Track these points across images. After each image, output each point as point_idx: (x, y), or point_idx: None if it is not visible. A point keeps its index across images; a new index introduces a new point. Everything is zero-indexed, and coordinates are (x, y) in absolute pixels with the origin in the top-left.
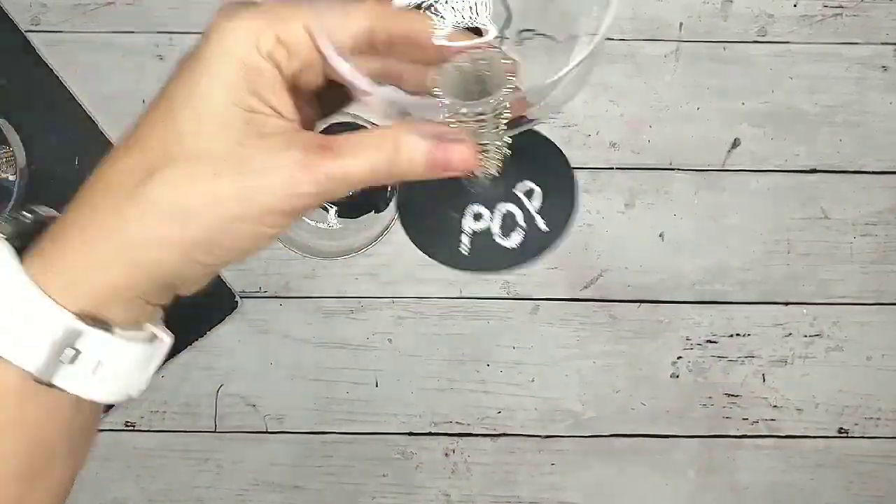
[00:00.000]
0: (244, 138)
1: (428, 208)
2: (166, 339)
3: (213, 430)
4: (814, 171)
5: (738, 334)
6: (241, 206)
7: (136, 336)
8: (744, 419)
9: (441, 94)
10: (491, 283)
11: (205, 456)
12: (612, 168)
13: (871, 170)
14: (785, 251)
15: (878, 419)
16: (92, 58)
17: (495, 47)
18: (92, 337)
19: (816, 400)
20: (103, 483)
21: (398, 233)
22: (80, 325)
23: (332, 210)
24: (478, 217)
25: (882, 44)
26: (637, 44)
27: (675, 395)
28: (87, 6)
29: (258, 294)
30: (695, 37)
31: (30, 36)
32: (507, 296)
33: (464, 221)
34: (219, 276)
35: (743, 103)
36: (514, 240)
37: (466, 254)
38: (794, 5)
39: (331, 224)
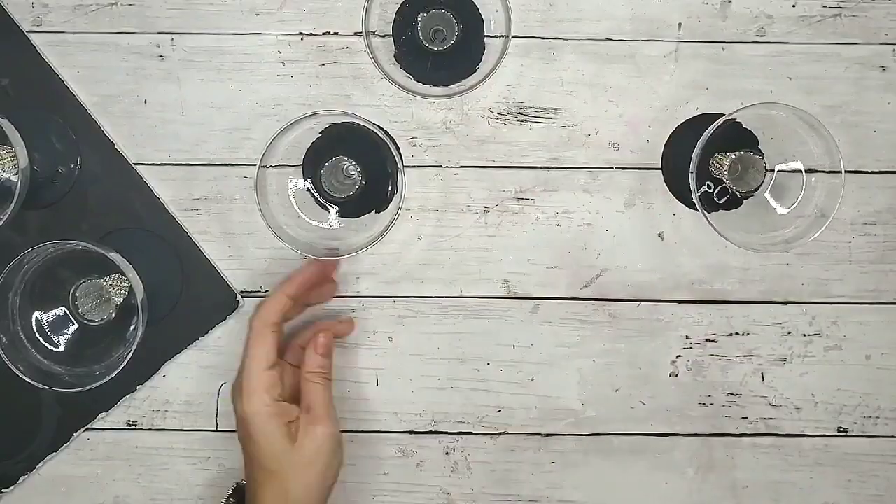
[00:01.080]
0: (298, 444)
1: None
2: None
3: (214, 429)
4: (812, 170)
5: (737, 333)
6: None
7: None
8: (743, 418)
9: None
10: (491, 282)
11: (206, 455)
12: (612, 168)
13: (869, 170)
14: (783, 250)
15: (877, 418)
16: (93, 58)
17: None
18: None
19: (815, 399)
20: (104, 482)
21: (398, 232)
22: None
23: (334, 210)
24: None
25: (881, 44)
26: (636, 44)
27: (674, 393)
28: (88, 7)
29: (259, 293)
30: (694, 37)
31: (31, 36)
32: (507, 295)
33: None
34: (220, 276)
35: (742, 103)
36: None
37: None
38: (793, 6)
39: (332, 224)
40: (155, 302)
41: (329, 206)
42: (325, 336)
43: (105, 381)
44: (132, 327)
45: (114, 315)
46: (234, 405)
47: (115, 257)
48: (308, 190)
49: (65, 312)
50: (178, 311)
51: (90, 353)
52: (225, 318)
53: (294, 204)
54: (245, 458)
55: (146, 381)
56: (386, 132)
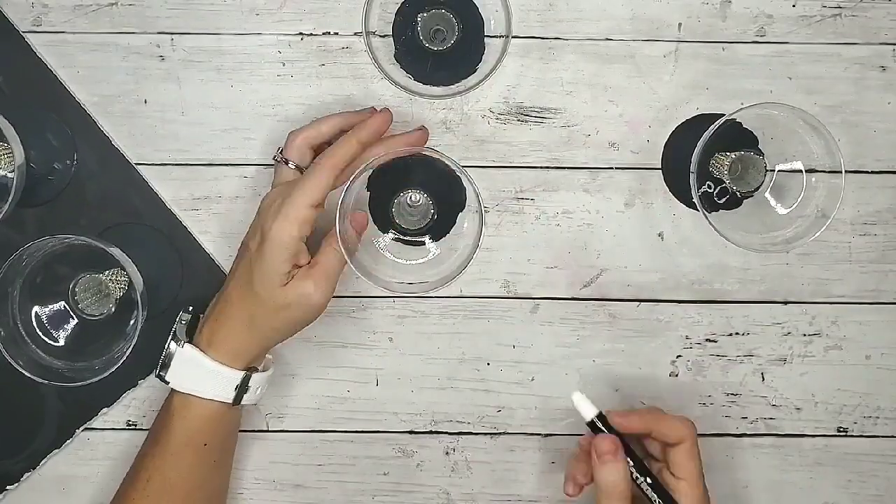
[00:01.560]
0: (287, 286)
1: None
2: (271, 365)
3: None
4: (812, 170)
5: (737, 333)
6: (302, 312)
7: (265, 368)
8: (743, 418)
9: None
10: (491, 282)
11: None
12: (612, 168)
13: (869, 169)
14: (784, 250)
15: (877, 418)
16: (93, 58)
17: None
18: (254, 377)
19: (815, 399)
20: (105, 482)
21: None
22: (244, 374)
23: (430, 243)
24: None
25: (881, 44)
26: (636, 44)
27: (674, 393)
28: (88, 7)
29: None
30: (694, 37)
31: (31, 36)
32: (507, 295)
33: None
34: (220, 269)
35: (742, 103)
36: None
37: None
38: (793, 6)
39: (431, 252)
40: (155, 296)
41: (421, 241)
42: (361, 214)
43: (105, 375)
44: (132, 321)
45: (113, 309)
46: (264, 218)
47: (115, 251)
48: (396, 240)
49: (64, 307)
50: (178, 304)
51: (90, 347)
52: None
53: (388, 254)
54: (237, 267)
55: (148, 375)
56: (457, 163)
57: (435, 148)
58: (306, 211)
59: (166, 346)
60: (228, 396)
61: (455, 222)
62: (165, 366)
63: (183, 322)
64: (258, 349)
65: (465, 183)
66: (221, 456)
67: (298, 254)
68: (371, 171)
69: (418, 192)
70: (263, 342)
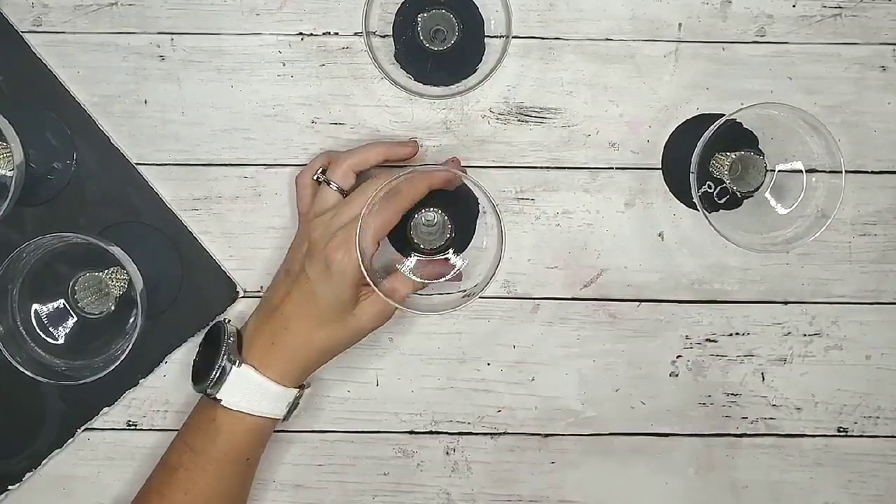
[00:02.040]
0: (351, 310)
1: None
2: (312, 381)
3: None
4: (812, 170)
5: (737, 333)
6: (373, 326)
7: (309, 384)
8: (743, 418)
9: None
10: (491, 282)
11: None
12: (612, 168)
13: (869, 170)
14: (784, 250)
15: (878, 418)
16: (93, 58)
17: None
18: (303, 394)
19: (815, 399)
20: (105, 482)
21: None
22: (297, 392)
23: (457, 259)
24: None
25: (881, 44)
26: (636, 44)
27: (674, 393)
28: (88, 7)
29: (260, 294)
30: (694, 37)
31: (31, 36)
32: (507, 295)
33: None
34: (219, 268)
35: (742, 103)
36: None
37: None
38: (793, 6)
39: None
40: (155, 295)
41: (445, 258)
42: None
43: (105, 373)
44: (132, 320)
45: (113, 308)
46: (330, 247)
47: (115, 250)
48: (420, 261)
49: (64, 305)
50: (179, 303)
51: (90, 346)
52: (225, 310)
53: (416, 278)
54: (297, 294)
55: (149, 374)
56: (481, 187)
57: (434, 147)
58: (373, 246)
59: (218, 365)
60: (280, 413)
61: (474, 232)
62: (218, 383)
63: (232, 340)
64: (314, 367)
65: (477, 191)
66: (256, 468)
67: (363, 278)
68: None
69: (432, 211)
70: (321, 360)
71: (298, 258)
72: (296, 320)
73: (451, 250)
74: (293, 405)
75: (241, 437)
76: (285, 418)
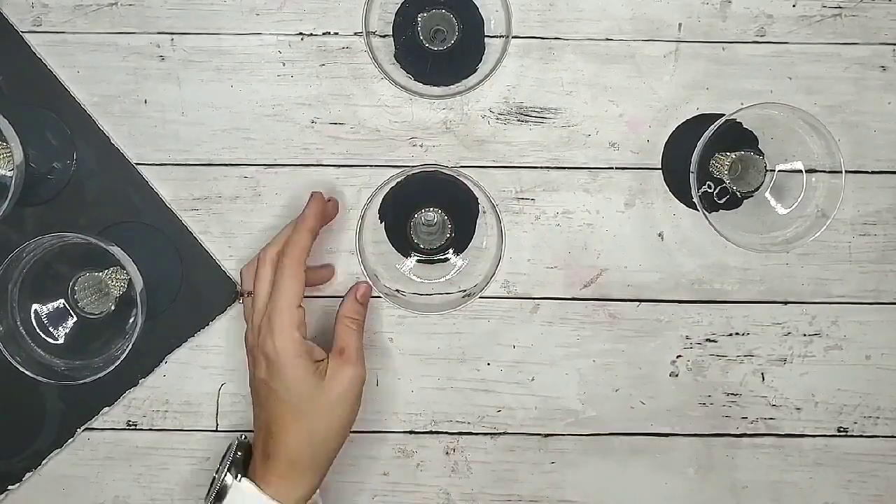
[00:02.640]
0: (321, 387)
1: None
2: (319, 500)
3: (214, 429)
4: (812, 170)
5: (737, 333)
6: (354, 397)
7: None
8: (743, 418)
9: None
10: (491, 282)
11: (206, 455)
12: (612, 168)
13: (869, 170)
14: (784, 250)
15: (877, 418)
16: (93, 58)
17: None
18: None
19: (815, 399)
20: (104, 482)
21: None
22: None
23: (455, 259)
24: None
25: (881, 44)
26: (636, 44)
27: (674, 393)
28: (88, 7)
29: None
30: (694, 37)
31: (31, 36)
32: (507, 295)
33: None
34: (219, 268)
35: (742, 103)
36: None
37: None
38: (793, 6)
39: (456, 266)
40: (155, 295)
41: (444, 258)
42: (365, 286)
43: (105, 373)
44: (132, 320)
45: (113, 308)
46: (261, 342)
47: (114, 250)
48: (419, 262)
49: (64, 305)
50: (179, 303)
51: (90, 346)
52: (225, 310)
53: (414, 277)
54: (264, 401)
55: (149, 374)
56: (475, 182)
57: (434, 147)
58: (295, 314)
59: (220, 477)
60: None
61: (474, 232)
62: (220, 497)
63: (239, 454)
64: (320, 467)
65: (476, 191)
66: None
67: (311, 352)
68: (380, 202)
69: (432, 211)
70: (320, 455)
71: (251, 370)
72: (275, 425)
73: (451, 250)
74: None
75: None
76: None
